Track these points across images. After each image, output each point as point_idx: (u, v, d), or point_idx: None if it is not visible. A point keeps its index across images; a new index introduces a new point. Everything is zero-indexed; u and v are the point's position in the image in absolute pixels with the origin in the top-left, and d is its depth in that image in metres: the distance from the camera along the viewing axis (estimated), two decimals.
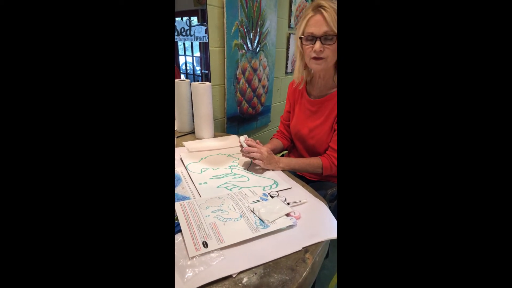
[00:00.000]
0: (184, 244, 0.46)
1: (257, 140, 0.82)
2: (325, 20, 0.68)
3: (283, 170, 0.78)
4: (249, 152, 0.78)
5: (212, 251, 0.45)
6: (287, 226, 0.52)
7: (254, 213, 0.55)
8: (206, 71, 1.17)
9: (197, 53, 1.17)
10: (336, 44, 0.70)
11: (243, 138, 0.82)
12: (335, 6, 0.67)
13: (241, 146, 0.81)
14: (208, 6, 1.05)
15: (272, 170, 0.78)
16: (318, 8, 0.69)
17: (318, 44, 0.70)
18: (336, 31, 0.68)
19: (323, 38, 0.70)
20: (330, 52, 0.71)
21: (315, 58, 0.73)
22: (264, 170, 0.78)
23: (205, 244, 0.46)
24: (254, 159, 0.77)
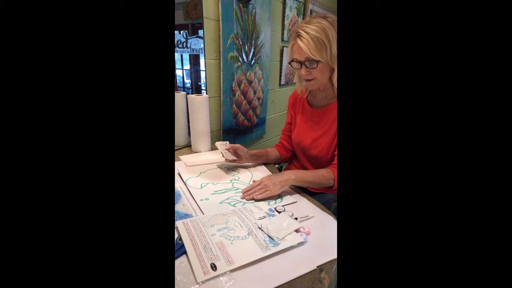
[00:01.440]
0: (190, 268, 0.43)
1: (238, 145, 0.82)
2: (302, 49, 0.70)
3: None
4: (251, 196, 0.67)
5: (221, 274, 0.41)
6: (298, 243, 0.49)
7: (262, 230, 0.52)
8: (200, 83, 1.16)
9: (186, 66, 1.16)
10: (321, 66, 0.72)
11: (221, 147, 0.81)
12: (313, 31, 0.68)
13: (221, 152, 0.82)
14: (204, 19, 1.04)
15: (285, 187, 0.70)
16: (296, 37, 0.72)
17: (303, 70, 0.74)
18: (313, 57, 0.70)
19: (306, 63, 0.72)
20: (317, 72, 0.73)
21: (306, 80, 0.77)
22: None
23: (213, 267, 0.42)
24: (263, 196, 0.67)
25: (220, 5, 1.07)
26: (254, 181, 0.71)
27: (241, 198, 0.67)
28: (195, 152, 1.01)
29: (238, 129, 1.38)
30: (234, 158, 0.83)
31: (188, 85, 1.21)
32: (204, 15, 1.04)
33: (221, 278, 0.41)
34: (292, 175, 0.70)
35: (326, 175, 0.74)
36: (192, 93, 1.13)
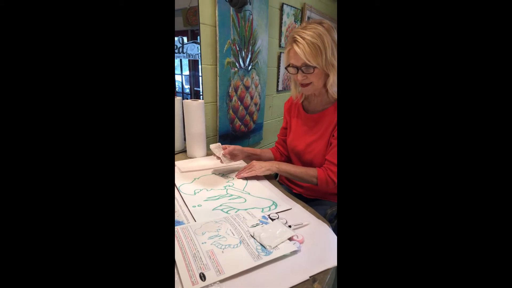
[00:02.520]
0: (178, 277, 0.41)
1: (235, 146, 0.84)
2: (298, 54, 0.70)
3: (280, 189, 0.75)
4: (241, 175, 0.80)
5: (210, 285, 0.40)
6: (291, 252, 0.48)
7: (254, 238, 0.51)
8: (198, 88, 1.15)
9: (186, 72, 1.16)
10: (317, 71, 0.72)
11: (216, 150, 0.82)
12: (309, 36, 0.69)
13: (216, 155, 0.83)
14: (200, 24, 1.05)
15: (269, 171, 0.80)
16: (292, 42, 0.72)
17: (299, 75, 0.74)
18: (308, 62, 0.70)
19: (303, 68, 0.73)
20: (314, 77, 0.74)
21: (302, 85, 0.77)
22: (261, 189, 0.74)
23: (202, 277, 0.41)
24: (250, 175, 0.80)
25: (217, 11, 1.07)
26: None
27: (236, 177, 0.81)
28: (191, 158, 0.99)
29: (234, 135, 1.37)
30: (231, 161, 0.85)
31: (188, 90, 1.21)
32: (200, 21, 1.04)
33: None
34: (276, 164, 0.81)
35: (310, 172, 0.77)
36: (191, 99, 1.13)
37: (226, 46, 1.16)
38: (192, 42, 1.06)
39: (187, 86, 1.21)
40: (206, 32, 1.08)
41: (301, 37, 0.69)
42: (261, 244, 0.49)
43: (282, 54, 1.65)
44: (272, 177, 0.85)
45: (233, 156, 0.85)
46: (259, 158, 0.93)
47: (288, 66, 0.76)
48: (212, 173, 0.85)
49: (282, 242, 0.50)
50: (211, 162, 0.93)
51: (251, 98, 1.43)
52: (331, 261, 0.47)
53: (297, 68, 0.73)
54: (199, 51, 1.07)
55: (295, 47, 0.70)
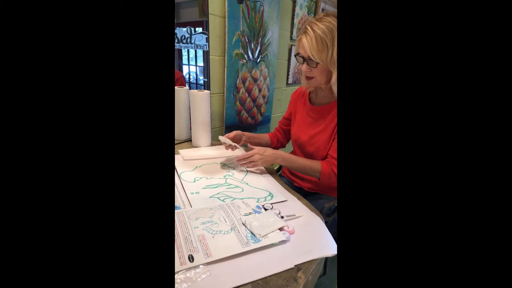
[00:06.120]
0: None
1: (236, 132, 0.87)
2: (304, 46, 0.71)
3: (279, 182, 0.76)
4: (241, 164, 0.80)
5: (197, 266, 0.42)
6: (280, 241, 0.49)
7: (245, 226, 0.53)
8: (206, 79, 1.17)
9: (200, 63, 1.17)
10: (320, 66, 0.72)
11: (226, 140, 0.85)
12: (319, 30, 0.68)
13: (227, 145, 0.86)
14: (210, 15, 1.05)
15: (272, 163, 0.80)
16: (303, 32, 0.72)
17: (304, 66, 0.75)
18: (312, 57, 0.70)
19: (308, 60, 0.73)
20: (317, 72, 0.74)
21: (306, 77, 0.78)
22: (259, 180, 0.76)
23: (190, 258, 0.43)
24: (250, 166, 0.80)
25: (226, 2, 1.07)
26: (251, 148, 0.81)
27: (235, 162, 0.80)
28: (195, 147, 1.02)
29: (241, 126, 1.39)
30: (242, 149, 0.87)
31: (202, 81, 1.22)
32: (209, 12, 1.05)
33: (197, 270, 0.41)
34: (280, 156, 0.79)
35: (314, 165, 0.77)
36: (204, 89, 1.14)
37: (235, 37, 1.16)
38: (201, 33, 1.07)
39: (201, 77, 1.22)
40: (215, 23, 1.09)
41: (312, 30, 0.69)
42: (251, 232, 0.51)
43: (293, 47, 1.63)
44: (273, 170, 0.86)
45: (236, 141, 0.88)
46: (258, 142, 0.97)
47: (297, 54, 0.76)
48: (214, 163, 0.87)
49: (272, 231, 0.51)
50: (214, 152, 0.95)
51: (259, 90, 1.43)
52: (319, 252, 0.48)
53: (304, 59, 0.73)
54: (207, 42, 1.08)
55: (303, 39, 0.70)
